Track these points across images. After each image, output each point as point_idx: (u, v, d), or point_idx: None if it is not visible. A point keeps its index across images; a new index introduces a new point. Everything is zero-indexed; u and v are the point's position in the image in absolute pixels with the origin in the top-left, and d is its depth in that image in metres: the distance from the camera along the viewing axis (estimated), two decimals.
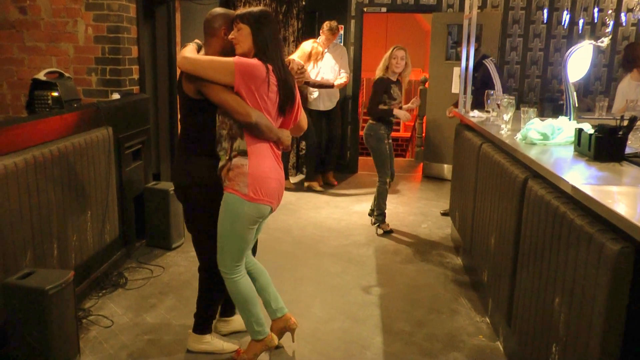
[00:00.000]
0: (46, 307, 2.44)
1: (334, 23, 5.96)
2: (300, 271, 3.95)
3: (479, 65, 5.28)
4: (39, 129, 2.93)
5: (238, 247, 2.58)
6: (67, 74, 3.96)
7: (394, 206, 5.61)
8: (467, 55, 4.61)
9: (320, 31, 6.05)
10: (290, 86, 2.54)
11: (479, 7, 4.75)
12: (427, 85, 7.88)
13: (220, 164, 2.54)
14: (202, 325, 2.85)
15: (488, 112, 4.21)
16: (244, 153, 2.48)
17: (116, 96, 4.24)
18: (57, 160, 2.94)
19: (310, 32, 6.61)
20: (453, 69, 6.64)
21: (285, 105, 2.55)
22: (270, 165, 2.54)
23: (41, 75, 3.74)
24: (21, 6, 4.46)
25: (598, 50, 3.56)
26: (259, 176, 2.49)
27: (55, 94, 3.67)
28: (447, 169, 6.86)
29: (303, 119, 2.76)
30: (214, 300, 2.84)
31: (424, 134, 7.73)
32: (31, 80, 3.75)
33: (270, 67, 2.44)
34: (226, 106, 2.44)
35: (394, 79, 4.68)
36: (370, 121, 4.71)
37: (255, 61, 2.43)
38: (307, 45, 5.92)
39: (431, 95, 7.08)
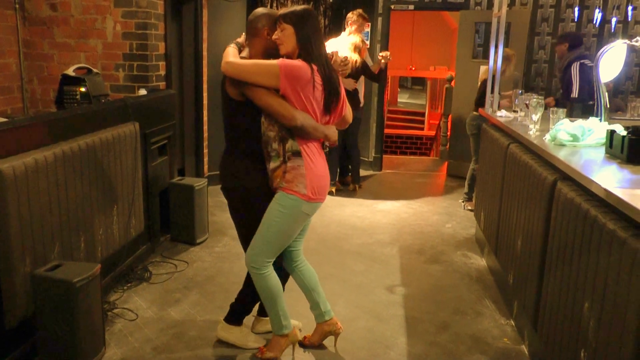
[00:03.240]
0: (74, 299, 2.48)
1: (360, 10, 5.71)
2: (324, 269, 3.94)
3: (569, 66, 5.14)
4: (67, 124, 2.96)
5: (282, 243, 2.63)
6: (95, 70, 4.01)
7: (418, 205, 5.58)
8: (496, 54, 4.55)
9: (349, 22, 5.63)
10: (335, 83, 2.52)
11: (507, 5, 4.66)
12: (452, 83, 7.81)
13: (273, 165, 2.54)
14: (233, 316, 2.90)
15: (515, 111, 4.15)
16: (297, 154, 2.50)
17: (143, 92, 4.28)
18: (85, 155, 2.97)
19: (337, 29, 6.57)
20: (480, 67, 6.57)
21: (330, 103, 2.54)
22: (320, 161, 2.58)
23: (70, 71, 3.79)
24: (52, 3, 4.52)
25: (630, 50, 3.47)
26: (315, 175, 2.53)
27: (83, 89, 3.72)
28: None
29: (348, 111, 2.74)
30: (255, 297, 2.85)
31: (449, 133, 7.66)
32: (60, 76, 3.80)
33: (315, 67, 2.43)
34: (271, 110, 2.44)
35: None
36: (475, 113, 5.34)
37: (299, 62, 2.42)
38: (355, 39, 5.52)
39: (457, 93, 7.02)
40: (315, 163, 2.53)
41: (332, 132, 2.60)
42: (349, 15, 5.74)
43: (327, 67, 2.49)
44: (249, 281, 2.83)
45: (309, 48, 2.44)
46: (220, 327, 2.94)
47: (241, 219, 2.73)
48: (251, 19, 2.57)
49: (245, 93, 2.46)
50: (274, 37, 2.49)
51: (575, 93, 5.09)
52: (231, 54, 2.51)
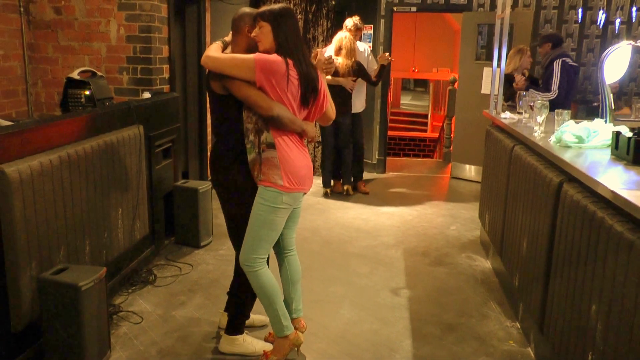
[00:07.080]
0: (79, 302, 2.48)
1: (356, 18, 5.75)
2: (328, 271, 3.94)
3: (551, 62, 5.24)
4: (72, 127, 2.97)
5: (270, 237, 2.65)
6: (99, 73, 4.02)
7: (422, 207, 5.58)
8: (499, 56, 4.54)
9: (345, 29, 5.69)
10: (312, 78, 2.57)
11: (510, 7, 4.64)
12: (456, 85, 7.81)
13: (250, 157, 2.64)
14: (235, 326, 2.86)
15: (520, 113, 4.14)
16: (272, 145, 2.56)
17: (147, 95, 4.29)
18: (89, 158, 2.98)
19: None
20: (483, 69, 6.56)
21: (308, 98, 2.59)
22: (297, 153, 2.62)
23: (75, 74, 3.80)
24: (56, 6, 4.54)
25: (634, 51, 3.47)
26: (290, 166, 2.57)
27: (88, 92, 3.74)
28: (475, 170, 6.78)
29: (330, 108, 2.78)
30: (248, 300, 2.85)
31: (452, 135, 7.65)
32: (65, 79, 3.81)
33: (290, 61, 2.49)
34: (249, 100, 2.51)
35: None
36: None
37: (275, 57, 2.49)
38: (342, 34, 5.58)
39: (460, 95, 7.00)
40: (290, 154, 2.57)
41: (311, 128, 2.67)
42: (346, 22, 5.81)
43: (304, 63, 2.54)
44: (235, 287, 2.85)
45: (285, 44, 2.51)
46: (223, 341, 2.88)
47: (231, 213, 2.76)
48: (235, 17, 2.65)
49: (226, 86, 2.53)
50: (252, 34, 2.56)
51: (555, 87, 5.14)
52: (213, 49, 2.60)
